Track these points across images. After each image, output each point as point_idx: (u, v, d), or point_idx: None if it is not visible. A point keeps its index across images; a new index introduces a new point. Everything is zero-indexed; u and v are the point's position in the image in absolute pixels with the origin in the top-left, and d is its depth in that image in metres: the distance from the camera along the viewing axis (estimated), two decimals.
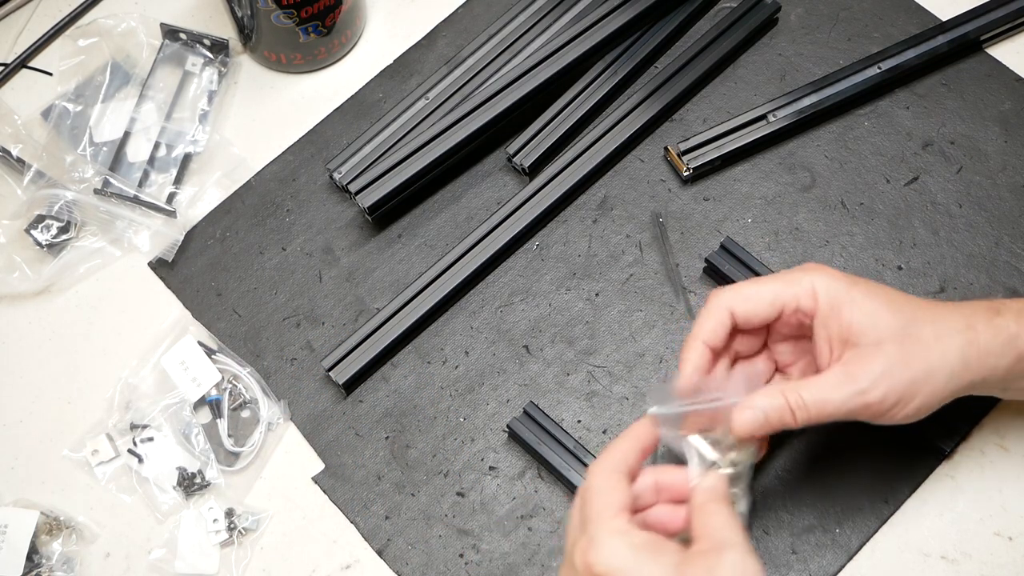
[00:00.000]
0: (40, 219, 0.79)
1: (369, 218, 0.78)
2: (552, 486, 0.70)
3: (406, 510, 0.70)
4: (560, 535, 0.69)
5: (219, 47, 0.85)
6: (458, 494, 0.71)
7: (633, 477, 0.58)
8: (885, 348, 0.57)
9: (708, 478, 0.57)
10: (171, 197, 0.81)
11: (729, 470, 0.58)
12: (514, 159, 0.80)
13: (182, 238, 0.79)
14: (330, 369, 0.73)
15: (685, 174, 0.78)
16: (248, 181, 0.82)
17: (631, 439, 0.58)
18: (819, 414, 0.57)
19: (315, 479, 0.72)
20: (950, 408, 0.69)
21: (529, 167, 0.79)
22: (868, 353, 0.57)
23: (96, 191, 0.79)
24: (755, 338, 0.64)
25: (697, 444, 0.58)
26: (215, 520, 0.70)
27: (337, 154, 0.81)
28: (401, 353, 0.75)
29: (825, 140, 0.80)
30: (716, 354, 0.61)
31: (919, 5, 0.84)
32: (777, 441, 0.69)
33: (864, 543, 0.67)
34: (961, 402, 0.69)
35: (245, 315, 0.77)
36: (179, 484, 0.71)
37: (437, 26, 0.87)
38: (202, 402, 0.74)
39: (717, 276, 0.75)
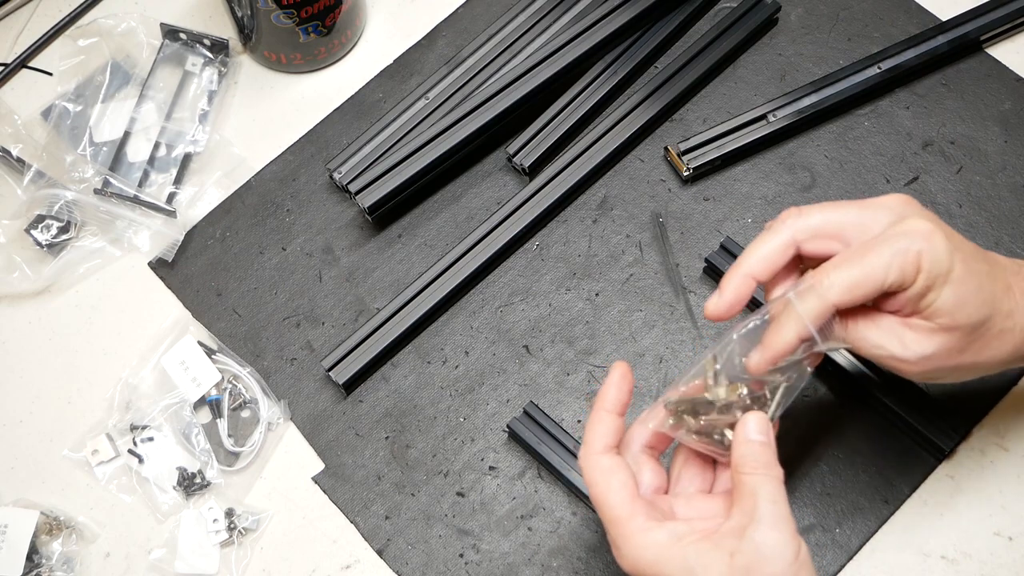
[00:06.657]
0: (40, 219, 0.79)
1: (369, 218, 0.78)
2: (552, 486, 0.70)
3: (406, 510, 0.70)
4: (560, 535, 0.69)
5: (219, 47, 0.85)
6: (458, 494, 0.71)
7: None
8: (950, 337, 0.54)
9: (750, 424, 0.55)
10: (171, 197, 0.81)
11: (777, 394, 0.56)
12: (514, 159, 0.79)
13: (182, 238, 0.79)
14: (330, 369, 0.73)
15: (685, 174, 0.78)
16: (248, 181, 0.82)
17: (603, 409, 0.57)
18: (853, 343, 0.55)
19: (315, 479, 0.72)
20: (950, 408, 0.69)
21: (529, 167, 0.79)
22: (929, 334, 0.54)
23: (96, 191, 0.79)
24: None
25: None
26: (215, 520, 0.70)
27: (337, 154, 0.81)
28: (401, 353, 0.75)
29: (825, 140, 0.80)
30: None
31: (919, 5, 0.84)
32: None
33: (864, 543, 0.67)
34: (961, 402, 0.70)
35: (245, 315, 0.77)
36: (179, 484, 0.71)
37: (437, 26, 0.87)
38: (202, 402, 0.74)
39: (717, 276, 0.75)
